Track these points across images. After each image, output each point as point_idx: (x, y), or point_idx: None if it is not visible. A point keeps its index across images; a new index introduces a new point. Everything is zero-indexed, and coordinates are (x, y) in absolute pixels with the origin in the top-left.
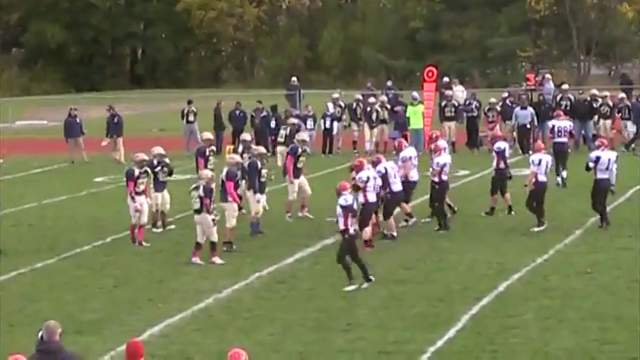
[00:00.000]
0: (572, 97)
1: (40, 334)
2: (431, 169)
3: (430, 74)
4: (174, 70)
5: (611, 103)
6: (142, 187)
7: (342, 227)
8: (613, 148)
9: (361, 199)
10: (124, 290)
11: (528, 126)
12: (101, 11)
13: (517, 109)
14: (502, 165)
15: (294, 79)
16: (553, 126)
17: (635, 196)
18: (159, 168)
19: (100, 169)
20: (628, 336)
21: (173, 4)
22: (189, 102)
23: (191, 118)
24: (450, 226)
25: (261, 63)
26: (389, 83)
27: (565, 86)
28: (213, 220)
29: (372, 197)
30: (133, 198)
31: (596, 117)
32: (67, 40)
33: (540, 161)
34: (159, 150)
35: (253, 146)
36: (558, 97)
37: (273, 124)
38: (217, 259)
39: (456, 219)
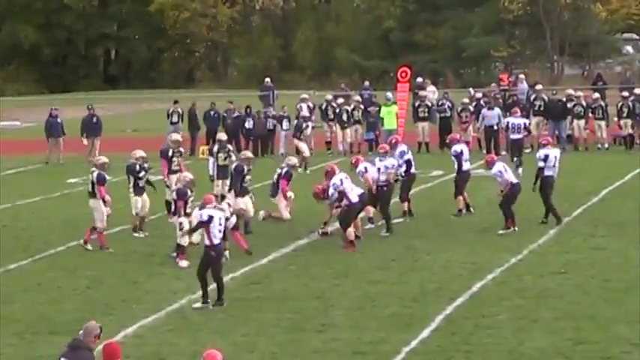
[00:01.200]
0: (545, 98)
1: (80, 332)
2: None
3: (404, 74)
4: (147, 70)
5: (584, 104)
6: (142, 183)
7: (206, 242)
8: (587, 149)
9: (344, 201)
10: (97, 291)
11: (495, 127)
12: (75, 12)
13: (484, 110)
14: (463, 167)
15: (267, 79)
16: (508, 122)
17: (608, 197)
18: (142, 173)
19: (74, 170)
20: (602, 335)
21: (146, 4)
22: (175, 102)
23: (175, 118)
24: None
25: (234, 63)
26: (366, 83)
27: (539, 86)
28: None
29: (354, 198)
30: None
31: (569, 117)
32: (41, 41)
33: (547, 156)
34: (141, 153)
35: (247, 152)
36: (532, 98)
37: (249, 124)
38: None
39: (429, 219)
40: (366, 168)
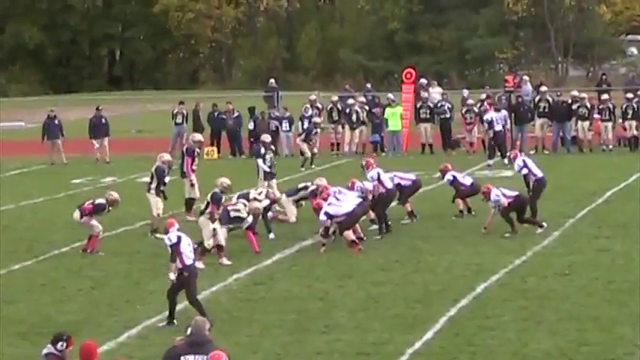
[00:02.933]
0: (550, 99)
1: (189, 329)
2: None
3: (409, 76)
4: (152, 71)
5: (589, 105)
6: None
7: (178, 265)
8: (591, 150)
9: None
10: (101, 292)
11: (501, 129)
12: (79, 12)
13: (490, 113)
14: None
15: (272, 80)
16: (491, 118)
17: (612, 198)
18: (168, 177)
19: (78, 170)
20: (606, 337)
21: (151, 5)
22: (181, 103)
23: (179, 119)
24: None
25: (239, 64)
26: (368, 85)
27: (543, 88)
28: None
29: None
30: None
31: (574, 119)
32: (45, 42)
33: (525, 162)
34: (168, 157)
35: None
36: (536, 99)
37: (251, 125)
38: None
39: (433, 220)
40: (379, 174)
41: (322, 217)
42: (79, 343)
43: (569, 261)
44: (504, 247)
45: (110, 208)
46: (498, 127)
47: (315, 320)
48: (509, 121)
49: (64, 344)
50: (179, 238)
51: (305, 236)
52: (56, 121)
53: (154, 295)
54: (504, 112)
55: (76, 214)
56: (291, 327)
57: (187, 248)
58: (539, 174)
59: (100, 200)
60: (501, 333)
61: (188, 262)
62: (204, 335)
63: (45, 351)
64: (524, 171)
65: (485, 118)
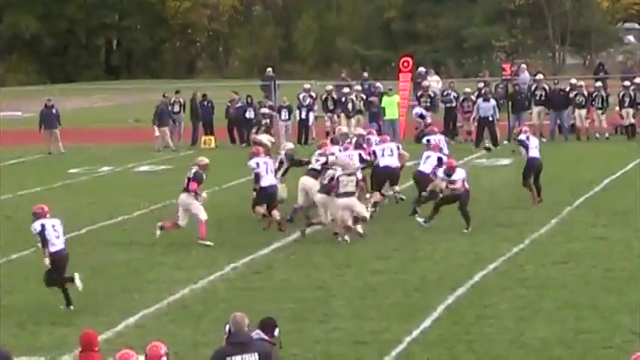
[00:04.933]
0: (547, 87)
1: (227, 327)
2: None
3: (406, 64)
4: (149, 60)
5: (586, 93)
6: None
7: (46, 251)
8: (588, 138)
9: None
10: (99, 281)
11: (490, 118)
12: (76, 2)
13: (480, 101)
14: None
15: (269, 69)
16: (479, 106)
17: (610, 186)
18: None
19: (75, 160)
20: (604, 325)
21: None
22: (177, 92)
23: (176, 108)
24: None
25: (236, 53)
26: (365, 74)
27: (540, 76)
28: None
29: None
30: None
31: (571, 107)
32: (42, 31)
33: (529, 138)
34: (206, 161)
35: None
36: (533, 87)
37: (250, 114)
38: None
39: (431, 209)
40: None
41: None
42: (78, 332)
43: (567, 249)
44: (502, 236)
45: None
46: (484, 115)
47: (313, 309)
48: (497, 112)
49: None
50: (42, 226)
51: (302, 225)
52: (53, 111)
53: (152, 285)
54: (493, 102)
55: (184, 196)
56: (289, 316)
57: (53, 235)
58: (534, 154)
59: (195, 170)
60: (499, 321)
61: (53, 248)
62: (245, 333)
63: None
64: (522, 147)
65: (477, 104)
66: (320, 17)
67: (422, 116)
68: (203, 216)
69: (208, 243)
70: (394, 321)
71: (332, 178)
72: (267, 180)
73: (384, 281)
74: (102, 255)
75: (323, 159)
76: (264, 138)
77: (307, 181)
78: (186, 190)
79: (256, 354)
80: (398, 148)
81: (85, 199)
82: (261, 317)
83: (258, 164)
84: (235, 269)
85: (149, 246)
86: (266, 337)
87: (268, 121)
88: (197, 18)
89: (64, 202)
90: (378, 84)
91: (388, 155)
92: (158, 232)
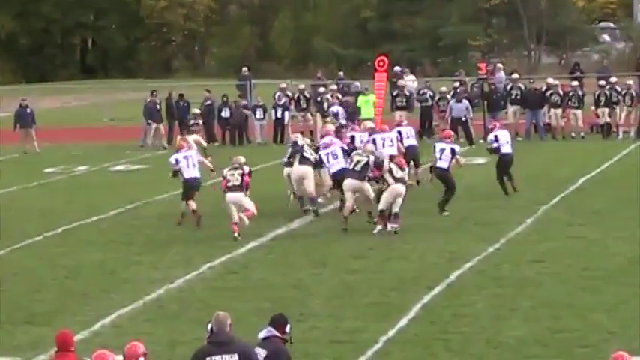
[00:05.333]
0: (522, 86)
1: (209, 326)
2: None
3: (381, 63)
4: (124, 60)
5: (561, 92)
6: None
7: None
8: (564, 137)
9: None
10: (75, 281)
11: (464, 119)
12: (51, 1)
13: (452, 102)
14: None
15: (245, 69)
16: (451, 107)
17: (586, 185)
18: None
19: (51, 159)
20: (580, 324)
21: None
22: (153, 92)
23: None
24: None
25: (212, 52)
26: (340, 74)
27: (515, 75)
28: None
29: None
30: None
31: (546, 106)
32: (17, 30)
33: (497, 137)
34: (243, 159)
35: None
36: (509, 87)
37: (226, 113)
38: None
39: (407, 208)
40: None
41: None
42: (54, 332)
43: (544, 248)
44: (478, 235)
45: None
46: (457, 115)
47: (290, 308)
48: (471, 111)
49: None
50: None
51: (279, 224)
52: (28, 110)
53: (128, 284)
54: (466, 103)
55: (233, 195)
56: (266, 315)
57: None
58: (506, 150)
59: (249, 169)
60: (475, 320)
61: None
62: (226, 333)
63: None
64: (495, 144)
65: (450, 104)
66: (296, 16)
67: (336, 115)
68: (254, 209)
69: (237, 235)
70: (371, 320)
71: (367, 164)
72: (189, 173)
73: (360, 280)
74: (78, 254)
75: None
76: (191, 139)
77: (300, 170)
78: (235, 188)
79: (236, 355)
80: (398, 139)
81: (61, 199)
82: (238, 316)
83: (177, 161)
84: (212, 268)
85: (125, 245)
86: (278, 334)
87: (200, 121)
88: (173, 17)
89: (40, 202)
90: (357, 83)
91: (389, 146)
92: (236, 234)
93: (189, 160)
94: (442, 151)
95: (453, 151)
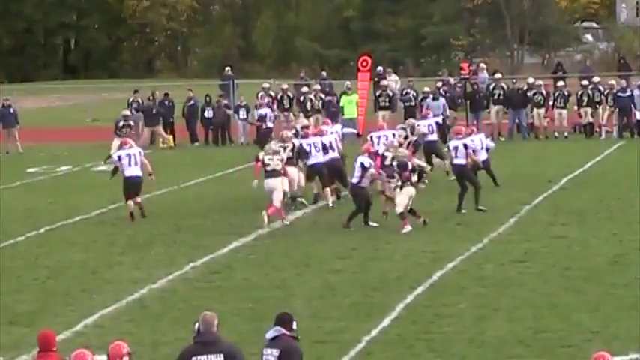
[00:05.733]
0: (505, 86)
1: (196, 325)
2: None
3: (365, 63)
4: (107, 60)
5: (544, 92)
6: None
7: None
8: (547, 137)
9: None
10: (58, 281)
11: (441, 117)
12: (33, 1)
13: (429, 100)
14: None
15: (227, 68)
16: (429, 105)
17: (568, 185)
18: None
19: (34, 159)
20: (562, 324)
21: None
22: (135, 91)
23: (135, 107)
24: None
25: (194, 53)
26: (323, 73)
27: (498, 75)
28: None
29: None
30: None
31: (529, 106)
32: None
33: (466, 146)
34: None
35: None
36: (491, 86)
37: (209, 113)
38: None
39: (390, 208)
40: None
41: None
42: (36, 332)
43: (526, 248)
44: (461, 235)
45: None
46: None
47: (273, 308)
48: (448, 110)
49: None
50: None
51: (262, 224)
52: (11, 110)
53: (110, 284)
54: (442, 101)
55: (272, 181)
56: (249, 315)
57: None
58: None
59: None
60: (458, 320)
61: None
62: (212, 333)
63: None
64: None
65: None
66: (279, 16)
67: (264, 118)
68: (279, 203)
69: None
70: (353, 320)
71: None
72: (131, 171)
73: (343, 280)
74: (60, 255)
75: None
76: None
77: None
78: (275, 173)
79: (222, 355)
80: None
81: (43, 199)
82: (220, 316)
83: (120, 157)
84: (194, 269)
85: (108, 245)
86: (287, 332)
87: (132, 122)
88: (155, 17)
89: (22, 202)
90: (348, 82)
91: (384, 144)
92: (266, 221)
93: (132, 158)
94: (456, 148)
95: (465, 147)
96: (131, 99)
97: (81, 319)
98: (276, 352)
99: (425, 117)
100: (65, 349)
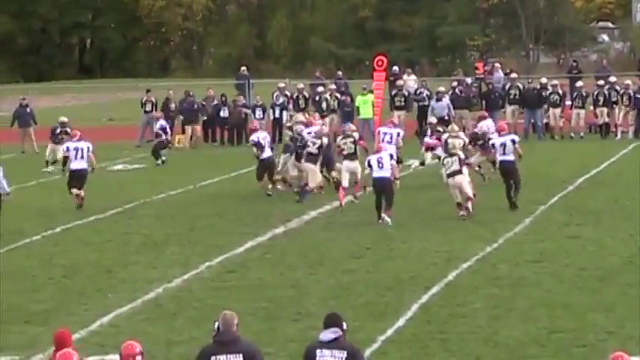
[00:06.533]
0: (520, 86)
1: (215, 324)
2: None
3: (380, 63)
4: (122, 59)
5: (560, 92)
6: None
7: None
8: (563, 137)
9: None
10: (73, 280)
11: (446, 117)
12: (49, 1)
13: (433, 102)
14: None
15: (243, 68)
16: (432, 107)
17: (584, 185)
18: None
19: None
20: (577, 324)
21: None
22: (148, 91)
23: (148, 107)
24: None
25: (209, 52)
26: (339, 73)
27: (513, 75)
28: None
29: None
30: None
31: (545, 106)
32: (15, 30)
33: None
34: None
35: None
36: (507, 86)
37: (224, 113)
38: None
39: (405, 208)
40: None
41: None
42: (51, 331)
43: (541, 248)
44: (475, 234)
45: None
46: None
47: (287, 308)
48: (452, 110)
49: None
50: None
51: (277, 224)
52: (28, 110)
53: (125, 284)
54: (447, 101)
55: (354, 164)
56: (263, 315)
57: None
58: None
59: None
60: (473, 320)
61: None
62: (232, 332)
63: None
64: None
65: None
66: (294, 16)
67: (164, 129)
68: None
69: (342, 204)
70: (368, 320)
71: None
72: (76, 164)
73: (357, 280)
74: (76, 254)
75: (318, 142)
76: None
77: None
78: (351, 156)
79: (241, 355)
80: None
81: (58, 199)
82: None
83: (68, 148)
84: (209, 268)
85: (123, 245)
86: (341, 333)
87: (69, 129)
88: (171, 17)
89: (37, 202)
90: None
91: (387, 142)
92: (342, 203)
93: (79, 151)
94: (503, 145)
95: (513, 142)
96: (144, 99)
97: (96, 319)
98: (339, 353)
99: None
100: (80, 348)
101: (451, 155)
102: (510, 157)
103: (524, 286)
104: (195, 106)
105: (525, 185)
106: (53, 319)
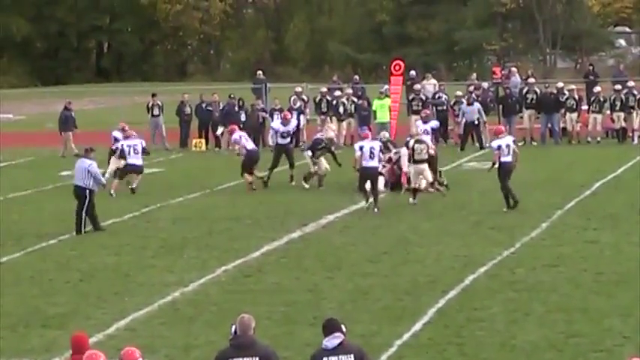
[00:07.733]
0: (538, 91)
1: (233, 328)
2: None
3: (397, 67)
4: (139, 63)
5: (577, 97)
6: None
7: None
8: (579, 142)
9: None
10: (90, 284)
11: (476, 122)
12: (67, 4)
13: (463, 106)
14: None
15: (260, 72)
16: (463, 111)
17: (600, 190)
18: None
19: (66, 163)
20: (594, 328)
21: None
22: (153, 95)
23: (156, 111)
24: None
25: (227, 56)
26: (356, 77)
27: (531, 79)
28: None
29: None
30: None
31: (562, 110)
32: (33, 34)
33: (500, 146)
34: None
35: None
36: (524, 91)
37: (242, 117)
38: None
39: (422, 212)
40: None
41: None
42: (69, 335)
43: (558, 252)
44: (492, 239)
45: None
46: (470, 119)
47: (304, 312)
48: (484, 115)
49: None
50: None
51: (293, 228)
52: (72, 114)
53: (142, 287)
54: (477, 105)
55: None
56: (280, 319)
57: None
58: (507, 159)
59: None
60: (490, 324)
61: None
62: (249, 336)
63: None
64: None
65: (461, 108)
66: (311, 20)
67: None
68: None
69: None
70: (385, 324)
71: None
72: (132, 160)
73: (374, 284)
74: (93, 258)
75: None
76: None
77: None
78: (423, 161)
79: (257, 358)
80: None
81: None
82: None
83: (122, 146)
84: (226, 272)
85: (140, 249)
86: (343, 336)
87: None
88: (188, 21)
89: (55, 205)
90: (386, 86)
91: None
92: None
93: (132, 148)
94: (508, 146)
95: (514, 142)
96: (150, 103)
97: (113, 322)
98: (347, 357)
99: (425, 121)
100: None
101: (420, 142)
102: (510, 158)
103: (541, 291)
104: (236, 109)
105: (542, 189)
106: (70, 322)
